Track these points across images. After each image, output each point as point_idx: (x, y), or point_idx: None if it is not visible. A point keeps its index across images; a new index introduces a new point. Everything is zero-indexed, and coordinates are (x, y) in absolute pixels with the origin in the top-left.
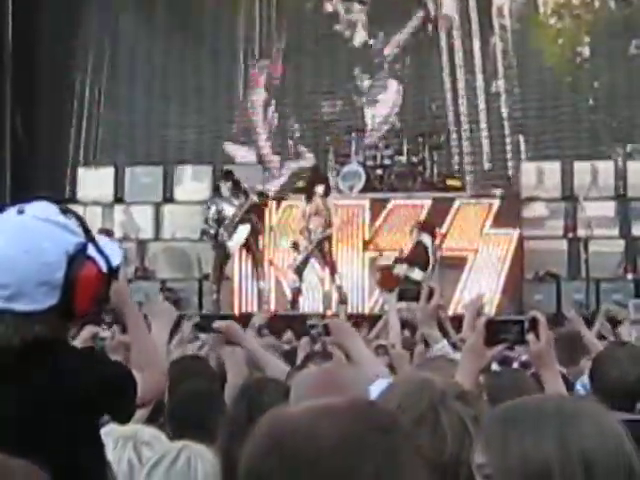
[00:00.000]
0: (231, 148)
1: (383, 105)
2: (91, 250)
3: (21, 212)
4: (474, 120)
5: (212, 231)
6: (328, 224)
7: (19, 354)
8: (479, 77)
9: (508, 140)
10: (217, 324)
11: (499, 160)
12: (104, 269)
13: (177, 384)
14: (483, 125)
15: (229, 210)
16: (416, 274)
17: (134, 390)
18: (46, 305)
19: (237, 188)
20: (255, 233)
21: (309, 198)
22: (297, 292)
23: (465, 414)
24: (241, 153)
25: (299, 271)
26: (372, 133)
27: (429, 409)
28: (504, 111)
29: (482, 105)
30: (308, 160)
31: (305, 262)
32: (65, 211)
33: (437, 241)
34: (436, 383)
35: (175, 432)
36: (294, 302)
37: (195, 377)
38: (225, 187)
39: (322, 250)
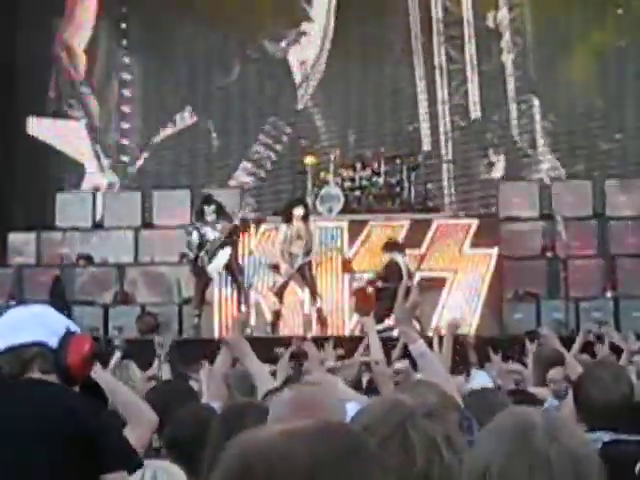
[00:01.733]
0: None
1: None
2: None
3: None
4: (451, 140)
5: (192, 255)
6: (309, 248)
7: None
8: (455, 98)
9: (485, 160)
10: (226, 337)
11: (477, 180)
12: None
13: (171, 409)
14: (460, 145)
15: (212, 234)
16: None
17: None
18: (45, 340)
19: (221, 212)
20: (237, 257)
21: (288, 221)
22: (277, 315)
23: (434, 432)
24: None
25: (279, 294)
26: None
27: (398, 427)
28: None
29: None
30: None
31: (285, 285)
32: (54, 304)
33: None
34: (405, 402)
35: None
36: (274, 325)
37: (186, 400)
38: (209, 211)
39: (302, 273)
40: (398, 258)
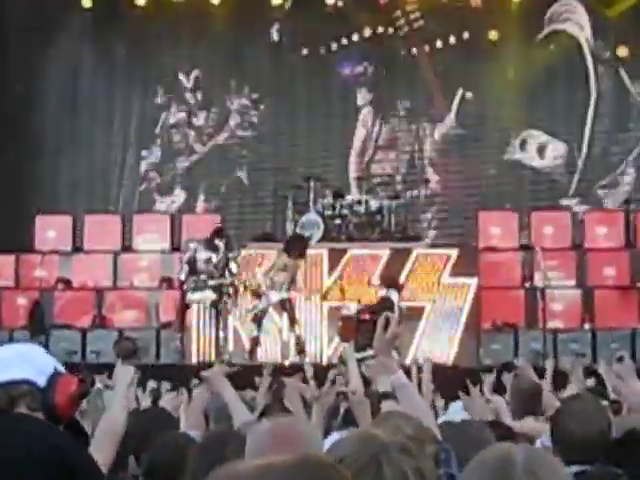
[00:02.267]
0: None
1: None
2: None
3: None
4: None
5: (182, 276)
6: (292, 282)
7: None
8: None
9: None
10: (203, 373)
11: (456, 209)
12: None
13: (150, 436)
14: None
15: (204, 265)
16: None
17: None
18: (33, 379)
19: (227, 248)
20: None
21: (280, 254)
22: (255, 342)
23: (407, 466)
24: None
25: (258, 321)
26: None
27: (371, 461)
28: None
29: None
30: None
31: (264, 312)
32: (41, 343)
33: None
34: (379, 436)
35: None
36: (252, 352)
37: (166, 427)
38: (222, 243)
39: (284, 305)
40: (393, 298)
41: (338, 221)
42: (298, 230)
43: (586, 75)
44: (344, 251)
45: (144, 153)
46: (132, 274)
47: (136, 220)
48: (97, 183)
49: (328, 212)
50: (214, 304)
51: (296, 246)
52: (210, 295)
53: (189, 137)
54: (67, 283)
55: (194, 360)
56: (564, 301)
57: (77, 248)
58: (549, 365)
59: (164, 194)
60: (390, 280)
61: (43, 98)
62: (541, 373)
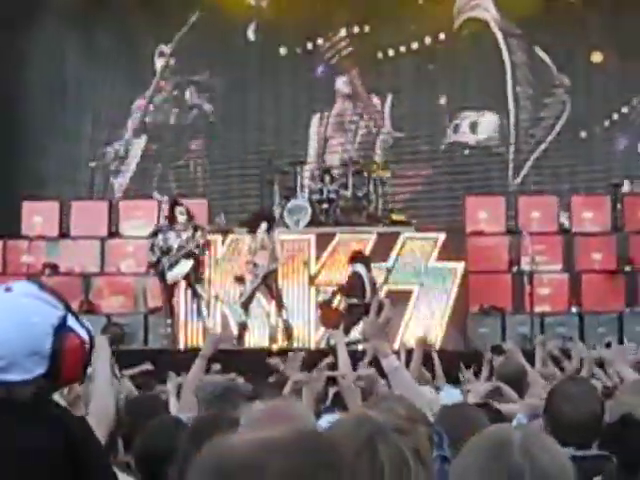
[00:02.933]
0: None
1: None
2: (71, 321)
3: (9, 290)
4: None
5: (154, 258)
6: (274, 258)
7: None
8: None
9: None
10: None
11: (444, 194)
12: (85, 339)
13: (140, 421)
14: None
15: (175, 241)
16: (355, 302)
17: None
18: (35, 374)
19: (189, 216)
20: (198, 269)
21: (252, 232)
22: (243, 327)
23: (404, 446)
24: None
25: (245, 306)
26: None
27: (367, 441)
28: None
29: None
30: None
31: (251, 297)
32: (42, 287)
33: (373, 270)
34: (374, 417)
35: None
36: (240, 337)
37: (157, 413)
38: (179, 211)
39: (268, 284)
40: (361, 271)
41: (325, 206)
42: (285, 215)
43: (500, 51)
44: (331, 235)
45: (129, 140)
46: (119, 260)
47: (122, 206)
48: (84, 169)
49: (315, 197)
50: (192, 273)
51: (262, 219)
52: (186, 266)
53: (171, 124)
54: (54, 268)
55: (182, 345)
56: (551, 285)
57: (64, 234)
58: (539, 347)
59: (150, 180)
60: (354, 256)
61: (29, 84)
62: (529, 356)
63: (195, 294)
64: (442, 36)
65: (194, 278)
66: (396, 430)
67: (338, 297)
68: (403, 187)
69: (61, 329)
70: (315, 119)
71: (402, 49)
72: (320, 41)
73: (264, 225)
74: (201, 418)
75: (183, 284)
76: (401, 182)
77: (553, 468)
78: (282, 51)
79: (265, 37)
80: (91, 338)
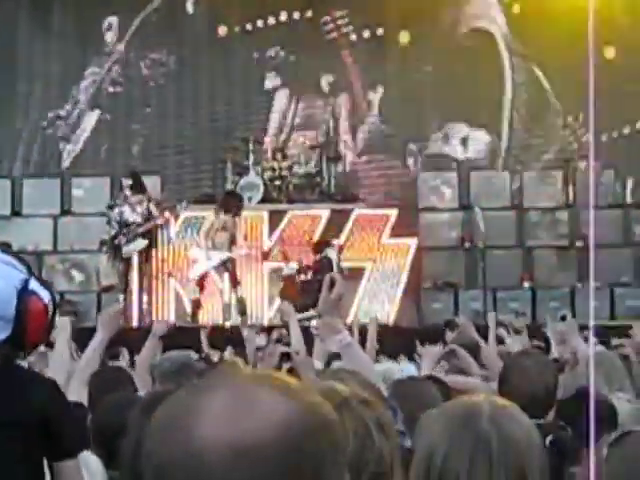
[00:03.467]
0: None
1: (279, 116)
2: (33, 284)
3: None
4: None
5: (113, 232)
6: (233, 241)
7: None
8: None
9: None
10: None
11: (396, 170)
12: (48, 302)
13: (101, 395)
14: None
15: (131, 216)
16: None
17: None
18: (1, 337)
19: (137, 187)
20: (150, 249)
21: (222, 212)
22: (197, 304)
23: (368, 417)
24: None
25: (200, 283)
26: (269, 144)
27: (335, 411)
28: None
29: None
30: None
31: (206, 275)
32: (4, 249)
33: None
34: (339, 389)
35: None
36: (194, 314)
37: (119, 388)
38: (125, 184)
39: (226, 266)
40: (331, 254)
41: (278, 182)
42: (239, 192)
43: (502, 68)
44: (284, 212)
45: (82, 111)
46: (72, 238)
47: (74, 183)
48: (35, 145)
49: (268, 174)
50: (146, 250)
51: (231, 203)
52: (142, 242)
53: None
54: (7, 247)
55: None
56: (503, 261)
57: (16, 212)
58: (491, 320)
59: (98, 153)
60: (320, 244)
61: None
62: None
63: (142, 272)
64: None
65: (144, 257)
66: (362, 402)
67: (302, 275)
68: (366, 172)
69: (24, 292)
70: (282, 95)
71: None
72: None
73: (233, 203)
74: (151, 394)
75: (136, 260)
76: (366, 167)
77: (519, 434)
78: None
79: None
80: (53, 300)
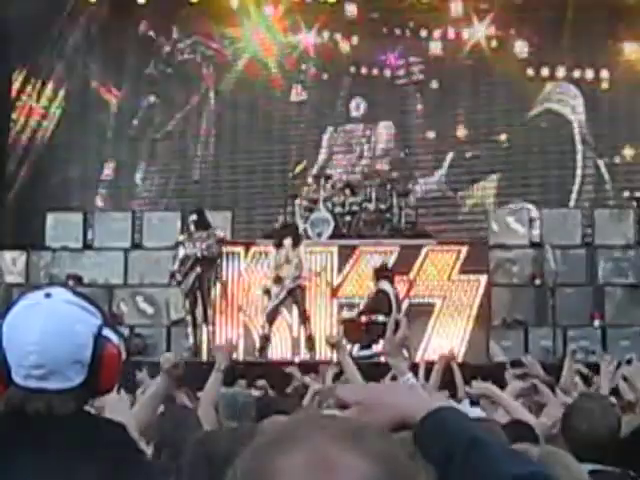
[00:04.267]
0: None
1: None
2: (106, 330)
3: (48, 296)
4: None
5: (174, 268)
6: (298, 273)
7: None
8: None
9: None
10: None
11: (468, 206)
12: (121, 349)
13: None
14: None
15: (191, 252)
16: (380, 319)
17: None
18: (76, 383)
19: (201, 224)
20: (206, 278)
21: (278, 246)
22: (266, 339)
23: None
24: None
25: (270, 319)
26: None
27: None
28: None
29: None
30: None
31: (276, 310)
32: (77, 293)
33: (396, 285)
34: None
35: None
36: (262, 349)
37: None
38: (190, 220)
39: (295, 298)
40: (387, 287)
41: (348, 218)
42: (309, 227)
43: (574, 157)
44: (354, 248)
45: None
46: (142, 271)
47: (146, 217)
48: (108, 179)
49: (338, 209)
50: (198, 288)
51: (287, 234)
52: (192, 278)
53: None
54: (78, 280)
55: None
56: (574, 298)
57: (87, 245)
58: (568, 360)
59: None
60: (380, 271)
61: None
62: (550, 370)
63: (203, 302)
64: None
65: (205, 291)
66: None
67: (364, 317)
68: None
69: (99, 338)
70: (328, 131)
71: None
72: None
73: (288, 240)
74: (202, 435)
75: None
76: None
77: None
78: None
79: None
80: (126, 346)
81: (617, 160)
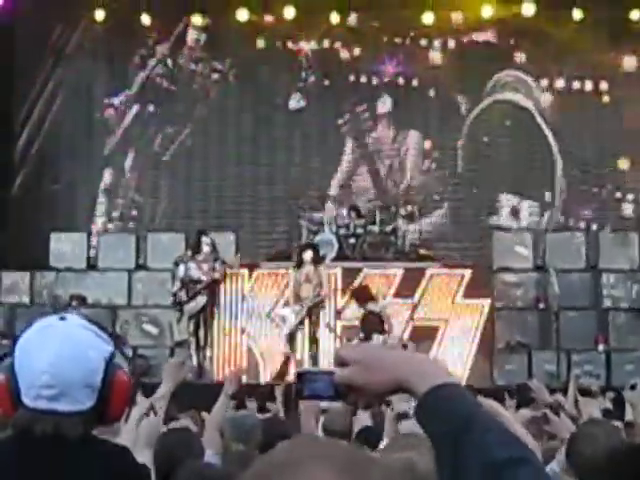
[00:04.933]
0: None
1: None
2: (117, 357)
3: (63, 319)
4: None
5: (174, 289)
6: (319, 292)
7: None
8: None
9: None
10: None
11: (471, 230)
12: (130, 375)
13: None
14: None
15: (195, 273)
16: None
17: None
18: (86, 406)
19: (212, 250)
20: (210, 301)
21: (298, 266)
22: (287, 359)
23: None
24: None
25: (290, 339)
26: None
27: None
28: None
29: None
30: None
31: (296, 330)
32: (90, 321)
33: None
34: (418, 464)
35: None
36: (283, 372)
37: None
38: (206, 241)
39: (312, 319)
40: (373, 307)
41: (352, 240)
42: None
43: (545, 137)
44: (358, 270)
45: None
46: (146, 292)
47: (150, 238)
48: (113, 200)
49: (342, 231)
50: (203, 309)
51: (308, 253)
52: (201, 300)
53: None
54: (81, 300)
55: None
56: (578, 322)
57: (91, 266)
58: (572, 385)
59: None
60: (361, 297)
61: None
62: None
63: (205, 324)
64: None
65: (208, 314)
66: None
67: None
68: (440, 232)
69: (110, 365)
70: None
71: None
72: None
73: (309, 254)
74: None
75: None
76: (441, 227)
77: None
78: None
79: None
80: (134, 373)
81: None
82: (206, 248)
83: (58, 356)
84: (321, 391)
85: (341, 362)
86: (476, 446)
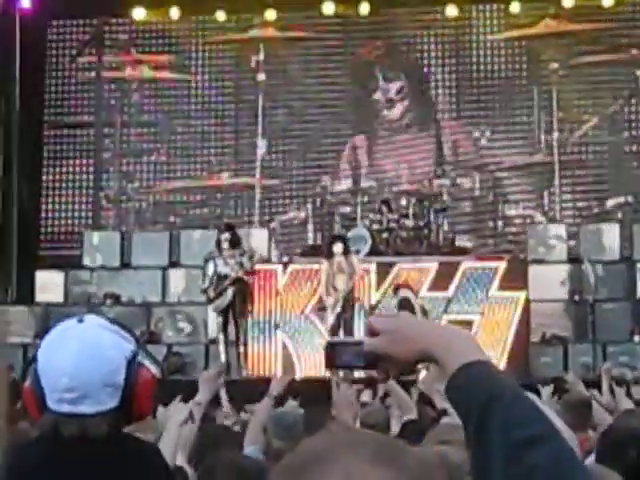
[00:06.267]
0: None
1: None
2: (141, 355)
3: (81, 321)
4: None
5: (204, 287)
6: (354, 282)
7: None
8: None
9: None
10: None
11: (506, 223)
12: (156, 373)
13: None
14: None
15: (224, 269)
16: None
17: None
18: (109, 406)
19: (236, 243)
20: (240, 300)
21: (329, 258)
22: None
23: None
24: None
25: (333, 331)
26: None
27: None
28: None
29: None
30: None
31: (338, 322)
32: (112, 321)
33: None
34: (452, 456)
35: None
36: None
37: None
38: (223, 238)
39: (345, 309)
40: (409, 295)
41: (385, 235)
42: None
43: None
44: (392, 265)
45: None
46: (180, 289)
47: (183, 235)
48: (146, 198)
49: (375, 226)
50: (230, 307)
51: (336, 243)
52: (229, 296)
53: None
54: (115, 298)
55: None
56: (613, 314)
57: (125, 264)
58: (605, 376)
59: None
60: (399, 286)
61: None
62: (591, 386)
63: (236, 323)
64: None
65: (238, 310)
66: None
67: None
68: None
69: (133, 363)
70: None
71: None
72: None
73: (339, 246)
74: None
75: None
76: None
77: None
78: None
79: None
80: (162, 371)
81: None
82: (225, 244)
83: (76, 359)
84: (351, 361)
85: (372, 332)
86: (498, 425)
